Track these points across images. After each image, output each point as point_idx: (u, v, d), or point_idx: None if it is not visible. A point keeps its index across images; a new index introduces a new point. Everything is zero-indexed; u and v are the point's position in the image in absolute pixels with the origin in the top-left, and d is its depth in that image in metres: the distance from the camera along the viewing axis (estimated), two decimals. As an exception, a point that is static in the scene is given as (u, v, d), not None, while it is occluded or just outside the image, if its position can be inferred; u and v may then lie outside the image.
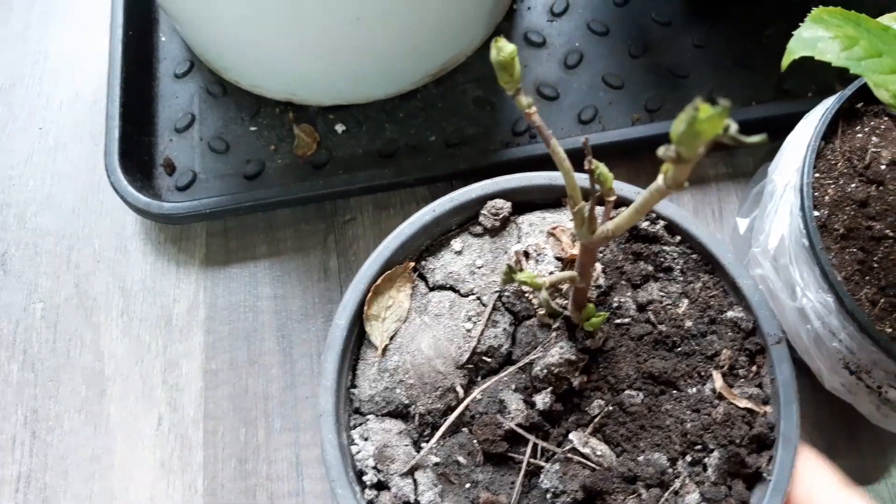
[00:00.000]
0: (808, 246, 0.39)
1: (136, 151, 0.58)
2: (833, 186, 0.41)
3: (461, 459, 0.36)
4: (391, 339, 0.39)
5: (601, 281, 0.39)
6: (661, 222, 0.41)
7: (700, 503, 0.35)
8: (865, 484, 0.50)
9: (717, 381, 0.37)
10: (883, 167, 0.42)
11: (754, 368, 0.38)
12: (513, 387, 0.37)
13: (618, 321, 0.38)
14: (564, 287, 0.38)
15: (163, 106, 0.61)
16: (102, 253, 0.59)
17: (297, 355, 0.54)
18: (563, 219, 0.41)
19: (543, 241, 0.40)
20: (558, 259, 0.40)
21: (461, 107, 0.60)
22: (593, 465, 0.35)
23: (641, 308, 0.39)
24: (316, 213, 0.58)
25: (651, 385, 0.37)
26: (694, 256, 0.41)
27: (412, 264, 0.40)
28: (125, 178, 0.55)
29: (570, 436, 0.36)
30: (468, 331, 0.38)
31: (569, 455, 0.35)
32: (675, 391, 0.37)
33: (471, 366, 0.38)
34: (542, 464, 0.36)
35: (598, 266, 0.39)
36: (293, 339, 0.55)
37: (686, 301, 0.39)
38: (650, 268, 0.40)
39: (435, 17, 0.54)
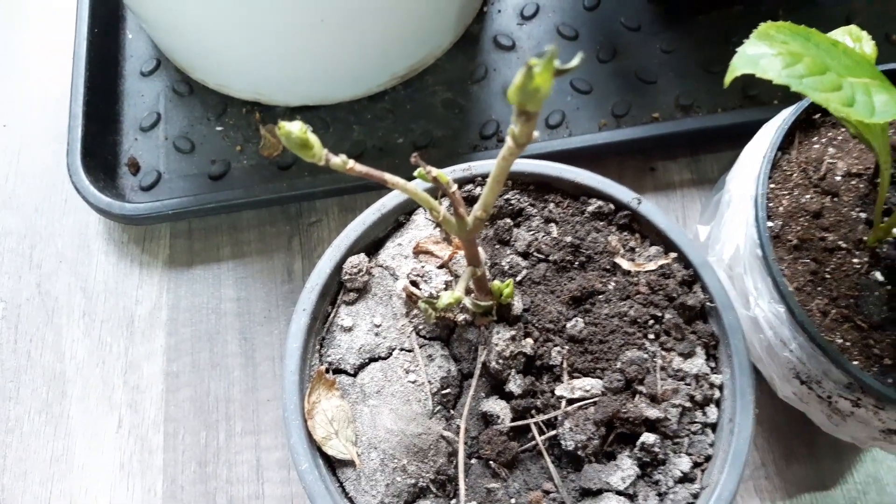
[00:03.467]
0: (761, 256, 0.39)
1: (100, 151, 0.58)
2: (788, 197, 0.42)
3: (492, 486, 0.36)
4: (355, 443, 0.37)
5: (484, 257, 0.40)
6: (480, 179, 0.43)
7: (683, 361, 0.38)
8: (822, 490, 0.50)
9: (624, 263, 0.40)
10: (838, 178, 0.42)
11: (637, 235, 0.41)
12: (484, 395, 0.38)
13: (518, 278, 0.40)
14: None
15: (128, 104, 0.61)
16: (65, 253, 0.58)
17: (260, 358, 0.54)
18: (416, 235, 0.41)
19: (416, 263, 0.40)
20: (440, 268, 0.40)
21: (430, 109, 0.60)
22: (592, 401, 0.36)
23: (526, 255, 0.41)
24: (281, 215, 0.58)
25: (579, 305, 0.39)
26: (531, 188, 0.43)
27: (322, 368, 0.38)
28: (87, 178, 0.55)
29: (557, 391, 0.37)
30: (413, 382, 0.38)
31: (567, 410, 0.36)
32: (599, 296, 0.39)
33: (439, 407, 0.38)
34: (555, 432, 0.36)
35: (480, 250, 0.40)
36: (256, 341, 0.54)
37: (553, 225, 0.42)
38: (507, 220, 0.42)
39: (401, 19, 0.54)
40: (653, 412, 0.36)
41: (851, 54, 0.33)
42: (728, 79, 0.28)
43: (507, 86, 0.61)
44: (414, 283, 0.38)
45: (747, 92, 0.59)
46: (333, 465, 0.37)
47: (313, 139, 0.26)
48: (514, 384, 0.37)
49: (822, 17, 0.62)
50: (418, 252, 0.40)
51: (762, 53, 0.29)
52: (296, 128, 0.26)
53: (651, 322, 0.38)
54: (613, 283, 0.39)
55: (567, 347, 0.38)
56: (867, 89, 0.31)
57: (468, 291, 0.36)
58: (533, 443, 0.37)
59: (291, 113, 0.60)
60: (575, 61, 0.22)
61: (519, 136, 0.24)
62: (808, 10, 0.63)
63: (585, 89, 0.60)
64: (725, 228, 0.43)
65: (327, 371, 0.38)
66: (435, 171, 0.30)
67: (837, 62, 0.32)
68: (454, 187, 0.30)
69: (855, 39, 0.37)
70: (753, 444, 0.51)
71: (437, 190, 0.39)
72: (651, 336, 0.38)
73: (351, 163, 0.28)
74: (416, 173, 0.31)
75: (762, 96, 0.59)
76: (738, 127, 0.56)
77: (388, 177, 0.29)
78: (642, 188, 0.58)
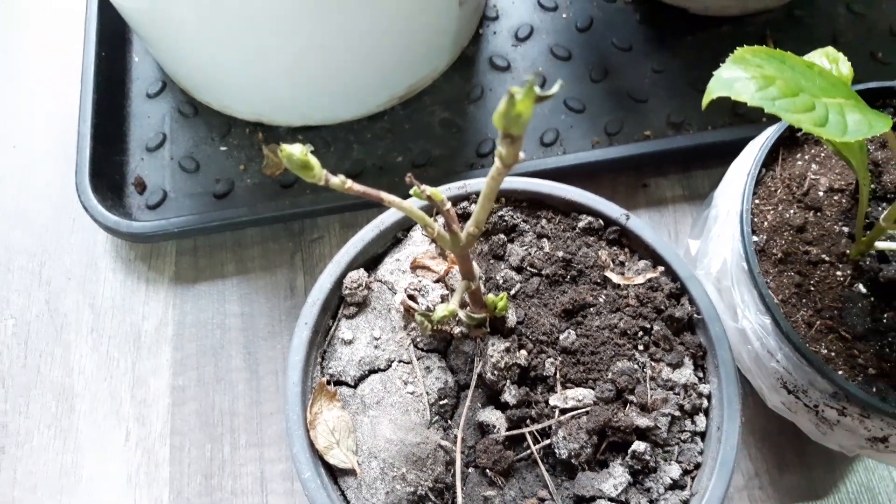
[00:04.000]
0: (747, 270, 0.41)
1: (108, 170, 0.59)
2: (772, 212, 0.43)
3: (488, 494, 0.37)
4: (356, 453, 0.38)
5: (478, 272, 0.41)
6: (475, 197, 0.45)
7: (672, 372, 0.39)
8: (815, 499, 0.51)
9: (614, 277, 0.41)
10: (821, 194, 0.44)
11: (626, 250, 0.43)
12: (480, 405, 0.39)
13: (512, 292, 0.41)
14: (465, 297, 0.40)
15: (135, 125, 0.63)
16: (73, 270, 0.60)
17: (263, 372, 0.55)
18: (413, 251, 0.43)
19: (413, 277, 0.41)
20: (437, 282, 0.41)
21: (428, 128, 0.62)
22: (584, 410, 0.38)
23: (519, 269, 0.42)
24: (284, 232, 0.60)
25: (571, 318, 0.41)
26: (524, 204, 0.45)
27: (324, 380, 0.39)
28: (95, 197, 0.56)
29: (551, 402, 0.38)
30: (412, 393, 0.39)
31: (560, 419, 0.37)
32: (591, 309, 0.41)
33: (437, 417, 0.39)
34: (549, 441, 0.38)
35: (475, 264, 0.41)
36: (259, 356, 0.56)
37: (546, 240, 0.43)
38: (501, 236, 0.43)
39: (399, 43, 0.56)
40: (643, 421, 0.37)
41: (826, 76, 0.35)
42: (705, 101, 0.30)
43: (502, 105, 0.62)
44: (411, 297, 0.40)
45: (736, 110, 0.61)
46: (335, 473, 0.38)
47: (313, 160, 0.27)
48: (510, 395, 0.38)
49: (808, 36, 0.64)
50: (415, 267, 0.42)
51: (737, 77, 0.30)
52: (297, 150, 0.27)
53: (640, 334, 0.40)
54: (604, 297, 0.41)
55: (560, 359, 0.39)
56: (841, 109, 0.32)
57: (463, 304, 0.38)
58: (528, 451, 0.38)
59: (294, 133, 0.62)
60: (554, 88, 0.23)
61: (506, 157, 0.26)
62: (794, 30, 0.65)
63: (579, 108, 0.62)
64: (713, 243, 0.44)
65: (328, 383, 0.40)
66: (429, 190, 0.31)
67: (812, 84, 0.33)
68: (448, 205, 0.31)
69: (831, 61, 0.39)
70: (747, 454, 0.52)
71: (433, 207, 0.41)
72: (640, 347, 0.39)
73: (349, 182, 0.29)
74: (411, 191, 0.33)
75: (750, 114, 0.60)
76: (727, 144, 0.57)
77: (385, 195, 0.30)
78: (635, 204, 0.60)
